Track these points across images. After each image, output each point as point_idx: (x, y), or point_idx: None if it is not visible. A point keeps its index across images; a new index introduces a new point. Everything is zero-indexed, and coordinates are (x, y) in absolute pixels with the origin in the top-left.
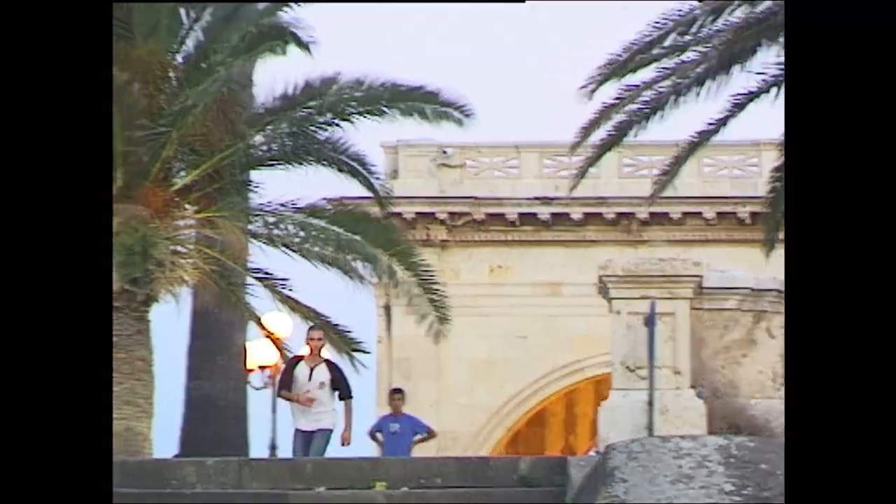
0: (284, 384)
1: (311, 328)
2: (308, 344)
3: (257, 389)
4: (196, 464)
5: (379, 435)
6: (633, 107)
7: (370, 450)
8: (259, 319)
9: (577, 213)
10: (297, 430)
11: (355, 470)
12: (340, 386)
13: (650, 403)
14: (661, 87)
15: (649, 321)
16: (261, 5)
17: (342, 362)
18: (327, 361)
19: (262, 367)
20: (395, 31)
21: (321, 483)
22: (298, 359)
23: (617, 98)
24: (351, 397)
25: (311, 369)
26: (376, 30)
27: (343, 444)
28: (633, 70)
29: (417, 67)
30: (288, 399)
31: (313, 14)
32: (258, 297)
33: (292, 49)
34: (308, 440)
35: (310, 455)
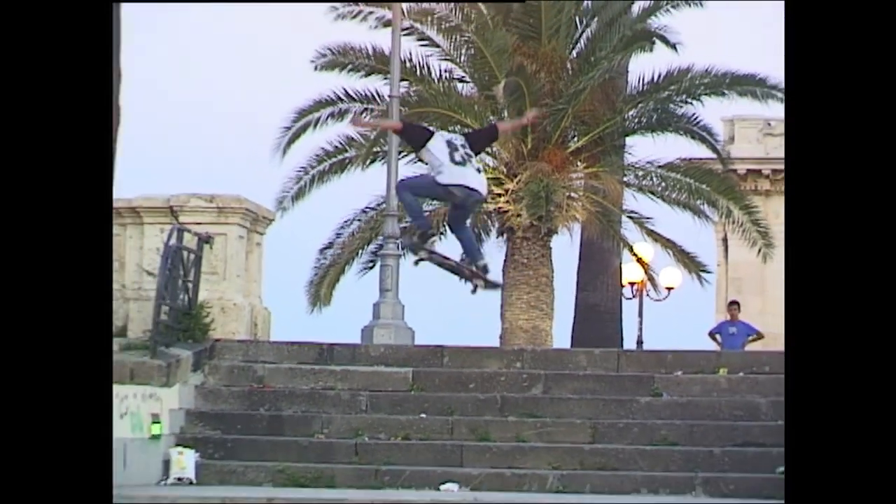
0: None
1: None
2: None
3: (628, 299)
4: (586, 353)
5: (718, 336)
6: None
7: (711, 346)
8: (630, 247)
9: None
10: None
11: (704, 360)
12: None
13: None
14: None
15: None
16: (635, 12)
17: (689, 280)
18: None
19: (631, 283)
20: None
21: (678, 368)
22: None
23: None
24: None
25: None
26: (725, 25)
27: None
28: None
29: (753, 54)
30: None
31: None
32: (629, 230)
33: (658, 45)
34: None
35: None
